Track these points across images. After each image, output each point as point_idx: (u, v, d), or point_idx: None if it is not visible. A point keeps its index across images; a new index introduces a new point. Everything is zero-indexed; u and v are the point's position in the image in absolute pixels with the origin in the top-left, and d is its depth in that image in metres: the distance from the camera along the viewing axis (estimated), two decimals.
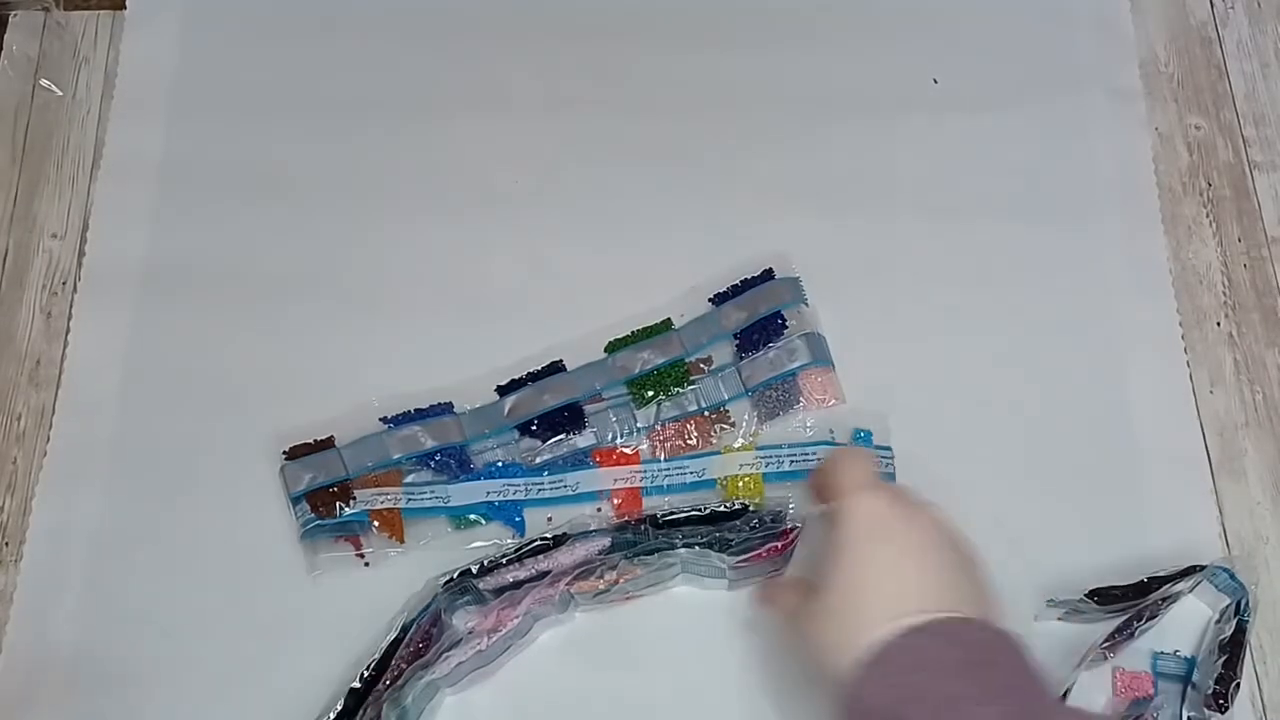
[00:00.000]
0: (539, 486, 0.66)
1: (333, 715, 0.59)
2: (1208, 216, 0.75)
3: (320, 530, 0.65)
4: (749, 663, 0.63)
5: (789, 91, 0.78)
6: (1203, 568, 0.62)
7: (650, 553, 0.61)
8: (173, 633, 0.64)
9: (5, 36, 0.79)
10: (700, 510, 0.64)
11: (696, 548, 0.61)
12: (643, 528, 0.63)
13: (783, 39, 0.79)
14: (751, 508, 0.64)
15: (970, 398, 0.69)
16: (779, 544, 0.61)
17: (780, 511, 0.64)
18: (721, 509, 0.64)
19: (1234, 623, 0.61)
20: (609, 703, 0.62)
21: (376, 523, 0.65)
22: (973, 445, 0.68)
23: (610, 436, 0.68)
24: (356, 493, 0.65)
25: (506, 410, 0.68)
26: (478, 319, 0.71)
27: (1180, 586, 0.62)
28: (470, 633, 0.60)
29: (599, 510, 0.66)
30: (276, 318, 0.71)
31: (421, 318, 0.71)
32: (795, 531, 0.62)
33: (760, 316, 0.70)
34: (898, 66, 0.78)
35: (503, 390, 0.69)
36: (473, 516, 0.66)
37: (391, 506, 0.65)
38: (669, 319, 0.71)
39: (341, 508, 0.65)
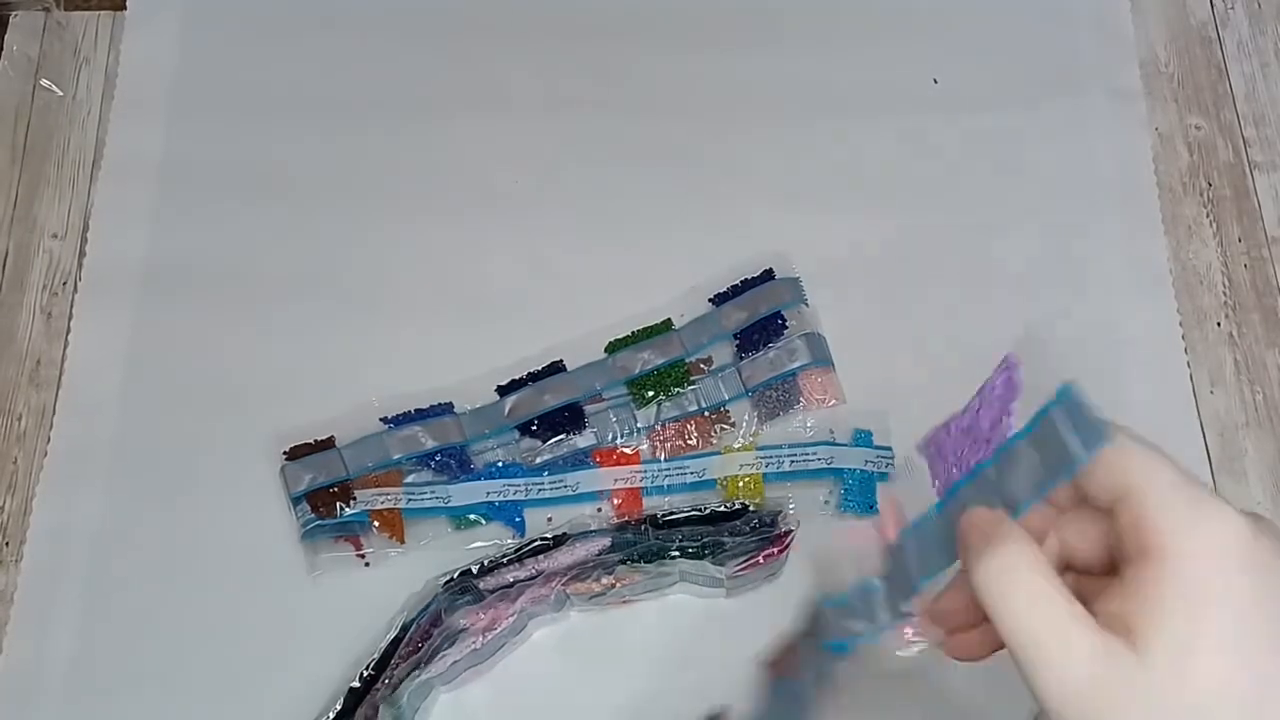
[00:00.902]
0: (539, 487, 0.66)
1: (332, 715, 0.59)
2: (1208, 216, 0.75)
3: (320, 530, 0.65)
4: (744, 663, 0.63)
5: (789, 91, 0.78)
6: None
7: (649, 559, 0.61)
8: (173, 633, 0.64)
9: (5, 37, 0.79)
10: (700, 510, 0.64)
11: (692, 555, 0.61)
12: (642, 528, 0.63)
13: (783, 39, 0.79)
14: (751, 508, 0.64)
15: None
16: (775, 549, 0.61)
17: (779, 512, 0.64)
18: (721, 509, 0.64)
19: None
20: (602, 701, 0.62)
21: (377, 523, 0.65)
22: None
23: (610, 437, 0.68)
24: (357, 493, 0.65)
25: (507, 410, 0.68)
26: (478, 319, 0.71)
27: None
28: (465, 630, 0.60)
29: (599, 510, 0.66)
30: (276, 318, 0.71)
31: (421, 318, 0.71)
32: (790, 535, 0.62)
33: (760, 316, 0.70)
34: (898, 66, 0.78)
35: (503, 390, 0.69)
36: (473, 517, 0.66)
37: (392, 507, 0.65)
38: (669, 319, 0.71)
39: (342, 508, 0.65)
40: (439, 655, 0.59)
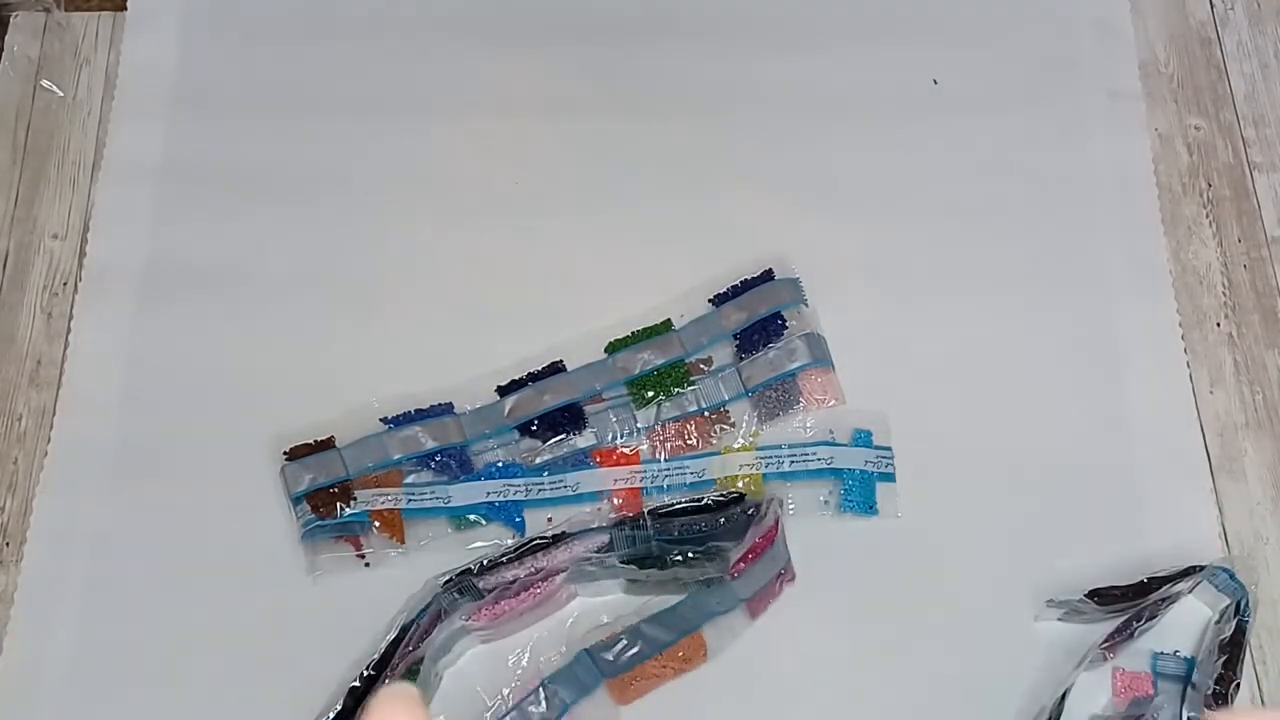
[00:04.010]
0: (539, 487, 0.66)
1: (332, 715, 0.59)
2: (1208, 217, 0.75)
3: (321, 531, 0.65)
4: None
5: (789, 92, 0.78)
6: (1203, 568, 0.62)
7: (648, 565, 0.62)
8: (172, 633, 0.64)
9: (6, 37, 0.79)
10: (696, 501, 0.64)
11: (691, 558, 0.61)
12: (641, 521, 0.63)
13: (783, 40, 0.79)
14: (746, 497, 0.64)
15: (970, 398, 0.69)
16: (762, 539, 0.61)
17: (774, 499, 0.64)
18: (719, 497, 0.64)
19: (1234, 623, 0.61)
20: None
21: (377, 523, 0.65)
22: (972, 445, 0.68)
23: (610, 437, 0.68)
24: (357, 493, 0.65)
25: (507, 411, 0.68)
26: (478, 319, 0.71)
27: (1180, 587, 0.62)
28: (469, 619, 0.61)
29: (599, 510, 0.66)
30: (276, 318, 0.71)
31: (422, 318, 0.71)
32: (776, 519, 0.62)
33: (760, 317, 0.70)
34: (898, 67, 0.78)
35: (503, 390, 0.69)
36: (473, 517, 0.66)
37: (392, 507, 0.65)
38: (669, 319, 0.71)
39: (342, 508, 0.65)
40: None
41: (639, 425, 0.68)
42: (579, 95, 0.78)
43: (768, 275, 0.71)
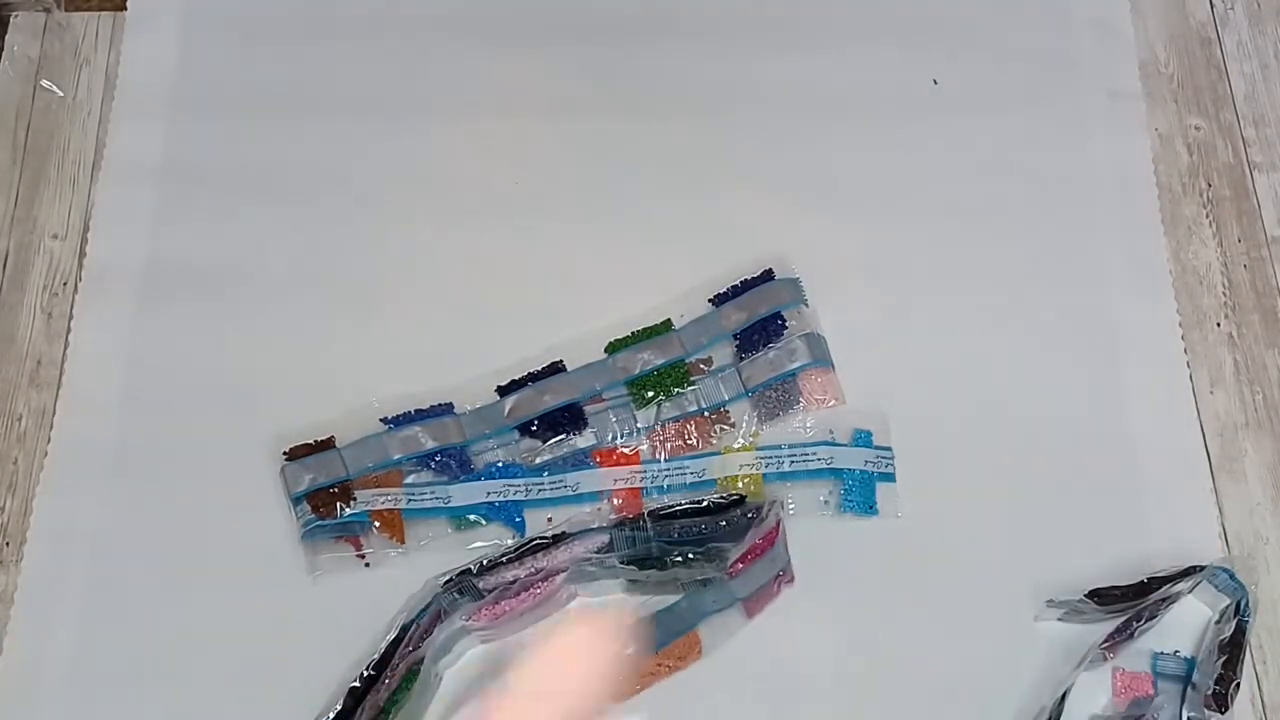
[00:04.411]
0: (539, 487, 0.66)
1: (332, 715, 0.59)
2: (1208, 217, 0.75)
3: (321, 531, 0.65)
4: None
5: (790, 93, 0.78)
6: (1203, 568, 0.62)
7: (647, 565, 0.62)
8: (173, 633, 0.64)
9: (6, 37, 0.79)
10: (697, 503, 0.64)
11: (691, 559, 0.61)
12: (641, 522, 0.63)
13: (783, 41, 0.79)
14: (746, 498, 0.64)
15: (970, 398, 0.69)
16: (762, 540, 0.61)
17: (775, 501, 0.64)
18: (719, 499, 0.64)
19: (1234, 623, 0.61)
20: None
21: (377, 523, 0.65)
22: (973, 445, 0.68)
23: (610, 437, 0.68)
24: (357, 493, 0.65)
25: (507, 411, 0.68)
26: (478, 319, 0.71)
27: (1180, 587, 0.62)
28: (469, 619, 0.60)
29: (599, 510, 0.66)
30: (276, 318, 0.71)
31: (422, 318, 0.71)
32: (778, 521, 0.62)
33: (760, 317, 0.70)
34: (898, 67, 0.78)
35: (503, 390, 0.69)
36: (473, 517, 0.66)
37: (392, 507, 0.65)
38: (669, 319, 0.71)
39: (342, 508, 0.65)
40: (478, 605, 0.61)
41: (639, 425, 0.68)
42: (579, 95, 0.78)
43: (768, 275, 0.71)
